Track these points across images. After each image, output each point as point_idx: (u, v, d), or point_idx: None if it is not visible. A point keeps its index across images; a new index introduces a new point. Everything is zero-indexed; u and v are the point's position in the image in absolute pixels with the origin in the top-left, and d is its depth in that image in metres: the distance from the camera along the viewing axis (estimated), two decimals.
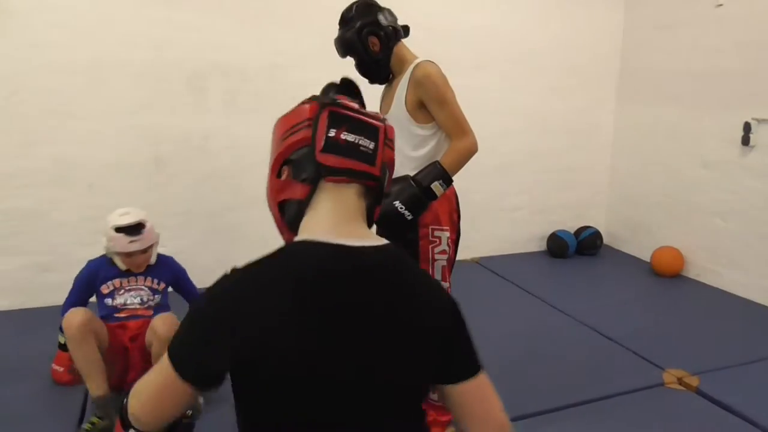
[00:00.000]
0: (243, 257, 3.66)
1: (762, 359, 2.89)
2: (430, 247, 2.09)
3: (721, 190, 3.88)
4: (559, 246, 4.55)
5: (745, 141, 3.70)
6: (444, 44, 4.10)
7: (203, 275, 3.77)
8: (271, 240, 3.72)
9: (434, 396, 2.03)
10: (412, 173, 2.01)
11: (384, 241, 1.08)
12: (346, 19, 2.09)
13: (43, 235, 3.49)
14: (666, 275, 4.10)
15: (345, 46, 2.08)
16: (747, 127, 3.68)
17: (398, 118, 2.03)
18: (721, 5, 3.80)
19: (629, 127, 4.61)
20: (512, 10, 4.30)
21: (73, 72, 3.36)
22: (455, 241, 2.20)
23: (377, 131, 1.08)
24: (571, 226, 4.68)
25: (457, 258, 4.66)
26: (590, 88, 4.63)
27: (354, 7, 2.09)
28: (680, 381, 2.67)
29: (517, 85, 4.34)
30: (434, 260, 2.09)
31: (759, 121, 3.63)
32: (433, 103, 2.01)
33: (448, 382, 1.08)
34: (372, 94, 1.91)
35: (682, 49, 4.09)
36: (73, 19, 3.33)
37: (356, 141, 1.06)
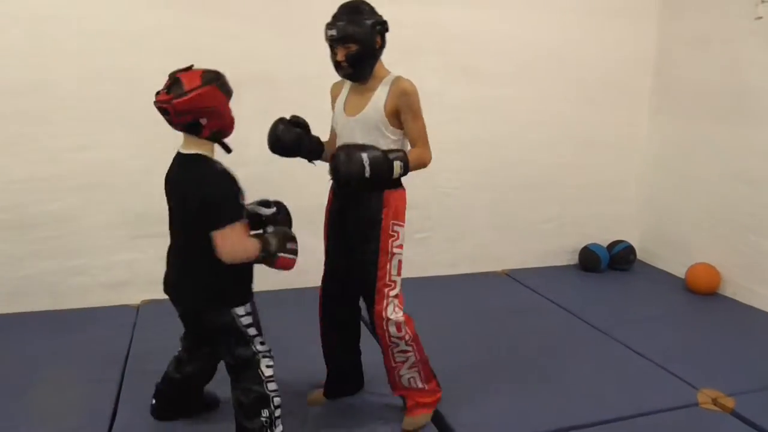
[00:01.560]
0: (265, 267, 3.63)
1: None
2: (390, 240, 2.27)
3: (760, 207, 3.79)
4: (590, 260, 4.48)
5: None
6: (479, 56, 4.13)
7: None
8: (301, 248, 3.71)
9: (419, 384, 2.39)
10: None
11: (189, 150, 2.07)
12: (358, 10, 2.20)
13: (76, 239, 3.56)
14: (701, 292, 4.01)
15: (355, 33, 2.16)
16: None
17: (373, 119, 2.24)
18: (760, 18, 3.72)
19: (666, 141, 4.53)
20: (547, 21, 4.27)
21: (110, 79, 3.44)
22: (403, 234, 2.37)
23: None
24: (604, 240, 4.61)
25: (486, 269, 4.67)
26: (625, 101, 4.57)
27: (367, 5, 2.24)
28: (715, 401, 2.61)
29: (550, 97, 4.30)
30: (393, 254, 2.28)
31: None
32: (409, 114, 2.23)
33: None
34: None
35: (719, 63, 4.01)
36: (114, 26, 3.41)
37: None
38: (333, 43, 2.21)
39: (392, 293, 2.29)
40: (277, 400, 2.16)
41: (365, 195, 2.26)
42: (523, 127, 4.28)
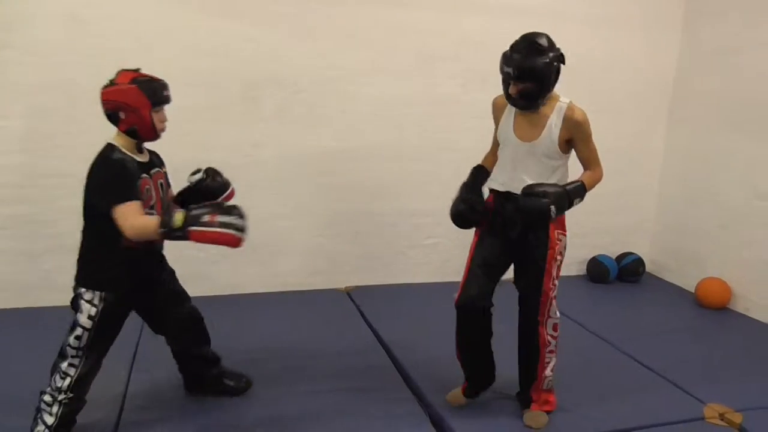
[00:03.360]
0: (287, 266, 3.81)
1: None
2: (556, 248, 2.41)
3: None
4: (599, 271, 4.48)
5: None
6: (485, 61, 4.13)
7: (246, 281, 3.89)
8: (315, 250, 3.81)
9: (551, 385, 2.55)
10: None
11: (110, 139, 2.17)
12: (539, 46, 2.22)
13: None
14: (711, 307, 4.00)
15: (535, 72, 2.20)
16: None
17: (548, 148, 2.35)
18: None
19: (680, 153, 4.52)
20: (567, 31, 4.25)
21: None
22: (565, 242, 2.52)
23: None
24: (613, 252, 4.60)
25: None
26: (642, 111, 4.56)
27: (545, 37, 2.27)
28: (722, 417, 2.60)
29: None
30: (556, 260, 2.42)
31: None
32: (582, 142, 2.37)
33: None
34: None
35: (738, 75, 4.00)
36: (133, 27, 3.47)
37: None
38: (510, 79, 2.26)
39: (553, 294, 2.46)
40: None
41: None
42: None
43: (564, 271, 4.58)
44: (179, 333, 2.52)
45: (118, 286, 2.21)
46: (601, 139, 4.88)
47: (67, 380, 2.20)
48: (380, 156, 4.02)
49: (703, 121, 4.30)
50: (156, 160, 2.36)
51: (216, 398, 2.60)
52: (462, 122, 4.03)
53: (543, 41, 2.23)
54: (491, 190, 2.50)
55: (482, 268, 2.46)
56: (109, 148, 2.16)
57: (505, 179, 2.43)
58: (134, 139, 2.19)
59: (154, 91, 2.16)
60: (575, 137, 2.34)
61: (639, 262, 4.54)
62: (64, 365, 2.20)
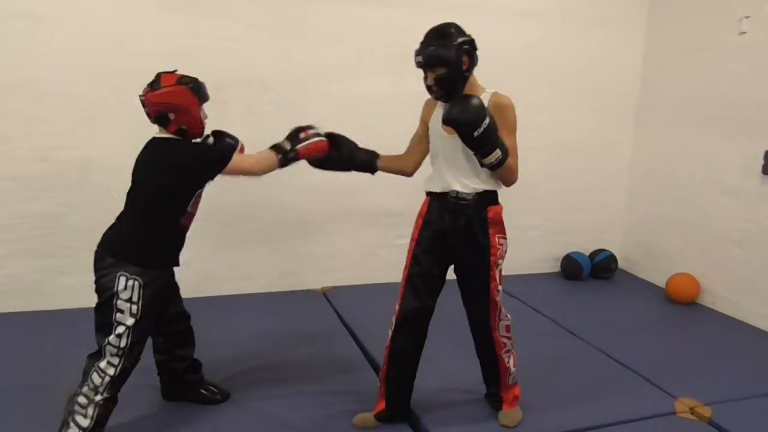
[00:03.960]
0: (256, 265, 3.79)
1: None
2: (498, 253, 2.36)
3: (740, 219, 3.84)
4: (573, 268, 4.51)
5: (766, 170, 3.66)
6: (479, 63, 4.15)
7: (217, 283, 3.83)
8: (282, 250, 3.77)
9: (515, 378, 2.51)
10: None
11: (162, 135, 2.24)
12: (444, 34, 2.22)
13: (61, 238, 3.53)
14: (680, 302, 4.05)
15: (440, 58, 2.18)
16: (767, 157, 3.65)
17: None
18: (744, 33, 3.78)
19: (648, 151, 4.59)
20: (534, 29, 4.31)
21: (96, 79, 3.42)
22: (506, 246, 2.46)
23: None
24: (586, 249, 4.64)
25: None
26: (609, 110, 4.61)
27: (453, 26, 2.25)
28: (692, 411, 2.63)
29: (534, 104, 4.30)
30: (498, 265, 2.37)
31: None
32: (506, 130, 2.25)
33: None
34: None
35: (704, 75, 4.07)
36: (98, 26, 3.39)
37: None
38: (421, 68, 2.25)
39: (499, 298, 2.40)
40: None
41: (470, 211, 2.32)
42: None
43: (538, 269, 4.69)
44: (173, 329, 2.50)
45: (166, 265, 2.32)
46: (570, 137, 4.98)
47: (106, 379, 2.14)
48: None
49: (670, 119, 4.36)
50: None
51: (191, 406, 2.54)
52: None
53: (450, 29, 2.24)
54: (427, 194, 2.44)
55: (421, 278, 2.40)
56: (173, 139, 2.24)
57: (440, 180, 2.37)
58: (181, 138, 2.24)
59: (201, 90, 2.26)
60: (501, 124, 2.22)
61: (611, 258, 4.59)
62: (102, 364, 2.15)
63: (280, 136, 3.79)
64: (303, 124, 2.48)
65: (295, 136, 2.38)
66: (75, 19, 3.35)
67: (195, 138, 2.30)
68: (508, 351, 2.48)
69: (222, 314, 3.54)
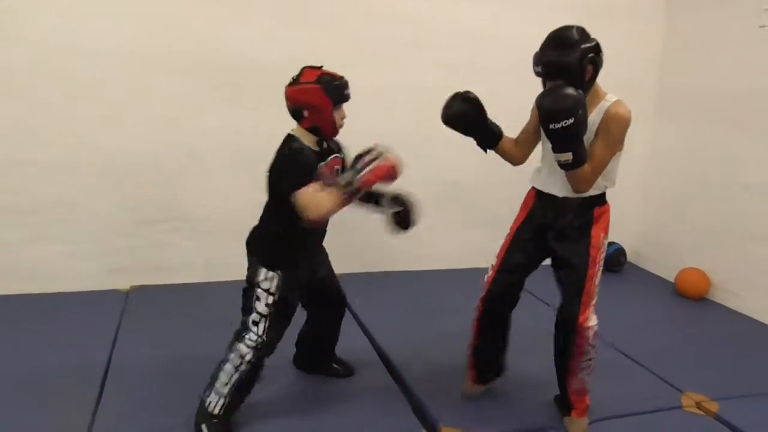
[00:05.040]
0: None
1: None
2: (599, 252, 2.31)
3: (754, 214, 3.80)
4: None
5: None
6: (474, 50, 4.12)
7: (225, 268, 3.85)
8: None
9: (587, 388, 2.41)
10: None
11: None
12: (566, 40, 2.09)
13: (76, 223, 3.57)
14: (690, 297, 4.03)
15: (560, 68, 2.07)
16: None
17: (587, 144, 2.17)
18: (765, 26, 3.72)
19: (666, 145, 4.54)
20: (552, 21, 4.23)
21: (115, 61, 3.43)
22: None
23: None
24: None
25: (479, 265, 4.61)
26: (630, 103, 4.55)
27: (575, 30, 2.12)
28: (699, 405, 2.63)
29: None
30: (598, 264, 2.32)
31: None
32: (603, 141, 2.16)
33: None
34: None
35: (723, 68, 4.01)
36: (109, 8, 3.39)
37: None
38: (540, 77, 2.17)
39: (593, 302, 2.33)
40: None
41: (574, 213, 2.30)
42: (521, 123, 4.29)
43: (548, 261, 4.65)
44: (325, 310, 2.64)
45: (294, 265, 2.32)
46: None
47: (248, 356, 2.25)
48: (364, 145, 3.99)
49: (689, 113, 4.32)
50: (334, 147, 2.37)
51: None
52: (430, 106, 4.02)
53: (571, 34, 2.09)
54: (533, 188, 2.45)
55: (512, 267, 2.43)
56: (290, 138, 2.25)
57: (544, 178, 2.37)
58: (315, 136, 2.25)
59: (337, 91, 2.20)
60: (601, 129, 2.15)
61: (621, 252, 4.57)
62: (243, 343, 2.26)
63: (289, 126, 3.84)
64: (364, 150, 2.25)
65: (353, 165, 2.15)
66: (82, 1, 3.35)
67: (326, 137, 2.28)
68: (589, 359, 2.36)
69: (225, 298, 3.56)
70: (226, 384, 2.25)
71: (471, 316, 2.56)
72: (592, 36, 2.16)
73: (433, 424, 2.42)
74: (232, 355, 2.27)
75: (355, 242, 4.16)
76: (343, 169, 2.37)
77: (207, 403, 2.26)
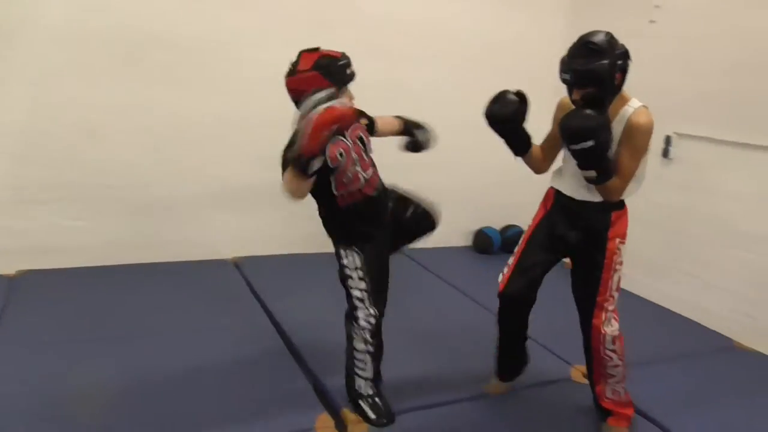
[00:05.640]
0: (172, 232, 3.66)
1: (664, 359, 3.08)
2: (615, 257, 2.29)
3: (641, 200, 4.02)
4: (484, 242, 4.65)
5: (666, 154, 3.87)
6: (394, 35, 4.12)
7: (122, 250, 3.68)
8: (199, 217, 3.63)
9: (623, 395, 2.40)
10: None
11: None
12: (596, 48, 2.02)
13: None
14: None
15: (591, 77, 2.02)
16: (668, 141, 3.86)
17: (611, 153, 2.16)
18: (654, 22, 3.95)
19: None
20: (463, 8, 4.34)
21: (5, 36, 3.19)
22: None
23: None
24: (499, 224, 4.78)
25: None
26: (532, 92, 4.71)
27: (604, 35, 2.05)
28: (585, 375, 2.78)
29: (462, 82, 4.37)
30: (615, 270, 2.30)
31: (679, 135, 3.82)
32: (628, 151, 2.14)
33: None
34: None
35: None
36: None
37: None
38: (569, 86, 2.11)
39: (610, 307, 2.31)
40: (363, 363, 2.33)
41: (592, 216, 2.28)
42: (432, 109, 4.33)
43: (452, 242, 4.78)
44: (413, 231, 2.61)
45: (364, 239, 2.29)
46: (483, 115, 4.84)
47: (366, 334, 2.27)
48: (271, 124, 3.88)
49: None
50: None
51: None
52: (356, 93, 4.00)
53: (600, 40, 2.02)
54: (552, 187, 2.44)
55: (528, 267, 2.40)
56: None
57: (564, 180, 2.36)
58: None
59: (338, 73, 2.12)
60: (625, 140, 2.13)
61: (521, 234, 4.71)
62: (357, 324, 2.27)
63: (201, 101, 3.70)
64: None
65: (294, 135, 2.09)
66: None
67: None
68: (615, 366, 2.35)
69: (128, 283, 3.42)
70: (364, 368, 2.31)
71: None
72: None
73: (335, 406, 2.44)
74: (356, 342, 2.29)
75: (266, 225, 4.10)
76: (367, 135, 2.38)
77: (357, 387, 2.34)
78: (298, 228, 4.20)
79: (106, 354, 2.64)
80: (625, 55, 2.05)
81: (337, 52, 2.17)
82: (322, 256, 4.07)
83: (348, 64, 2.17)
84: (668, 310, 3.84)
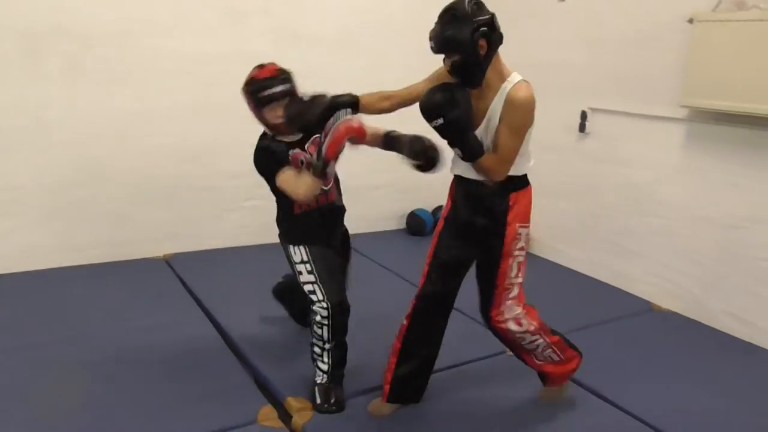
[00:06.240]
0: (87, 236, 3.53)
1: (587, 326, 3.23)
2: (514, 243, 2.18)
3: (561, 174, 4.23)
4: (416, 224, 4.72)
5: (582, 128, 4.05)
6: (308, 19, 4.08)
7: (41, 255, 3.50)
8: (124, 218, 3.53)
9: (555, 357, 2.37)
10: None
11: None
12: (455, 14, 1.94)
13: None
14: None
15: (452, 43, 1.94)
16: (583, 116, 4.03)
17: (489, 140, 2.09)
18: (563, 1, 4.09)
19: None
20: None
21: None
22: (528, 235, 2.29)
23: None
24: (430, 205, 4.86)
25: None
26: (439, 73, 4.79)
27: (467, 2, 1.95)
28: None
29: (382, 65, 4.36)
30: (514, 256, 2.20)
31: (594, 110, 4.00)
32: (507, 128, 2.03)
33: None
34: None
35: (527, 41, 4.32)
36: None
37: None
38: (435, 53, 2.03)
39: (511, 295, 2.25)
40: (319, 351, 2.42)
41: (491, 199, 2.17)
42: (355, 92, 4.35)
43: (385, 226, 4.83)
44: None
45: (311, 242, 2.42)
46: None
47: (324, 330, 2.35)
48: (189, 116, 3.80)
49: None
50: (317, 131, 2.39)
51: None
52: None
53: (461, 7, 1.95)
54: (455, 176, 2.29)
55: (441, 264, 2.28)
56: (261, 136, 2.41)
57: (461, 163, 2.19)
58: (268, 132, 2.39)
59: (256, 95, 2.29)
60: (505, 117, 2.02)
61: None
62: (315, 318, 2.35)
63: (106, 95, 3.55)
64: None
65: (317, 140, 2.36)
66: None
67: (275, 134, 2.37)
68: (532, 341, 2.32)
69: (50, 289, 3.27)
70: (322, 359, 2.40)
71: None
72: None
73: (277, 397, 2.43)
74: (313, 329, 2.38)
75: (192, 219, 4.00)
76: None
77: (315, 375, 2.43)
78: (227, 221, 4.15)
79: (45, 358, 2.58)
80: (489, 22, 1.96)
81: (260, 74, 2.32)
82: (252, 248, 4.08)
83: (266, 87, 2.28)
84: (586, 276, 4.05)
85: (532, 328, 2.29)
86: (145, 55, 3.59)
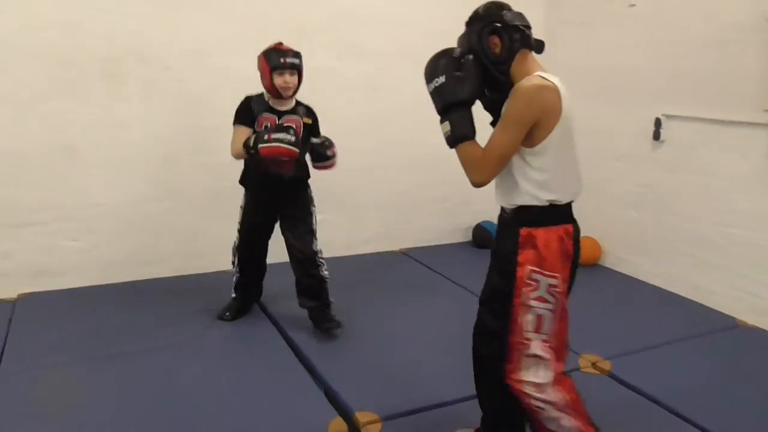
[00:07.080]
0: (164, 251, 3.64)
1: (668, 342, 3.08)
2: (525, 290, 1.82)
3: (633, 183, 4.08)
4: (482, 236, 4.65)
5: (656, 136, 3.89)
6: (364, 33, 4.11)
7: (121, 270, 3.66)
8: (198, 232, 3.63)
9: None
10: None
11: None
12: (473, 16, 1.89)
13: None
14: (584, 264, 4.26)
15: (465, 44, 1.86)
16: (658, 123, 3.88)
17: None
18: (633, 5, 3.97)
19: None
20: (434, 2, 4.33)
21: None
22: (566, 291, 1.95)
23: None
24: (495, 217, 4.77)
25: (385, 249, 4.65)
26: None
27: (484, 6, 1.89)
28: (594, 365, 2.80)
29: (408, 76, 4.33)
30: (529, 307, 1.83)
31: (668, 117, 3.84)
32: (501, 117, 1.81)
33: None
34: None
35: (598, 47, 4.25)
36: None
37: None
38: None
39: (530, 352, 1.84)
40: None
41: (505, 230, 1.92)
42: (417, 106, 4.32)
43: (451, 239, 4.78)
44: (292, 259, 3.07)
45: (252, 188, 2.99)
46: (477, 108, 4.96)
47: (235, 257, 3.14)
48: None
49: (570, 91, 4.52)
50: (301, 110, 2.93)
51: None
52: (339, 94, 3.98)
53: (482, 7, 1.87)
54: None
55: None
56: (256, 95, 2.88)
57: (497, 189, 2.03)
58: (271, 95, 2.83)
59: (272, 58, 2.74)
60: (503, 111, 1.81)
61: None
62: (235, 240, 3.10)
63: (179, 114, 3.68)
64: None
65: (261, 133, 2.66)
66: None
67: (274, 97, 2.83)
68: (553, 421, 1.87)
69: (131, 302, 3.40)
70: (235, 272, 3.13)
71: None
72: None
73: (347, 411, 2.43)
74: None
75: None
76: (308, 133, 2.92)
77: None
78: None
79: (113, 372, 2.64)
80: (498, 21, 1.81)
81: (282, 45, 2.83)
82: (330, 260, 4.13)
83: (284, 55, 2.77)
84: (663, 289, 3.87)
85: (560, 399, 1.84)
86: (216, 75, 3.70)
